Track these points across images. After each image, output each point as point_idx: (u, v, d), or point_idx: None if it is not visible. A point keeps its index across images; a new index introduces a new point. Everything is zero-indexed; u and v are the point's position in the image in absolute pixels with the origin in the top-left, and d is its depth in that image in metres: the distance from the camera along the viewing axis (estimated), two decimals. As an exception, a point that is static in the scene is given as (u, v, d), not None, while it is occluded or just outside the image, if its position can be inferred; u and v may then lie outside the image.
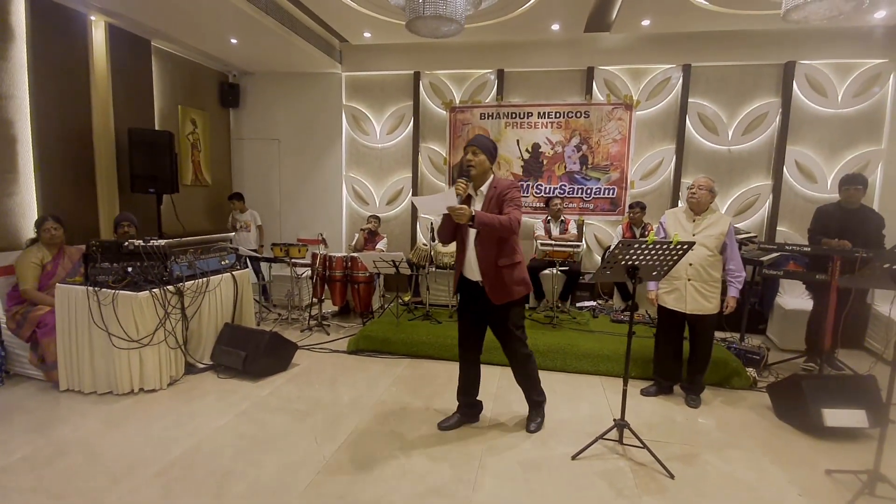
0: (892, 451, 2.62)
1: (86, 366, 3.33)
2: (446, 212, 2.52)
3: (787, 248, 3.97)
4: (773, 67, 5.50)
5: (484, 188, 2.70)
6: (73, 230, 4.03)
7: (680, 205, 5.81)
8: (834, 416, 2.93)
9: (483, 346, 2.94)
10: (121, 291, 3.28)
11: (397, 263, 4.57)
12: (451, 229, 2.76)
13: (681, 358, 3.47)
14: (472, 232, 2.68)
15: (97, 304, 3.26)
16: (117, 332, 3.25)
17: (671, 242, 2.48)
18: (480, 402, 3.07)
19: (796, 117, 5.47)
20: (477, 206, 2.68)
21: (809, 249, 3.88)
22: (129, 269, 3.39)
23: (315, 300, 5.18)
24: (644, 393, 3.53)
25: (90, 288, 3.29)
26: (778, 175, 5.55)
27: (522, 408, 3.29)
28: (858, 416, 2.92)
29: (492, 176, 2.73)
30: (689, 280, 3.21)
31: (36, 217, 4.00)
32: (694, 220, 3.26)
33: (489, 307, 2.73)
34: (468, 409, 3.02)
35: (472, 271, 2.73)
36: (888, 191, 5.27)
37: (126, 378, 3.30)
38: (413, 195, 6.28)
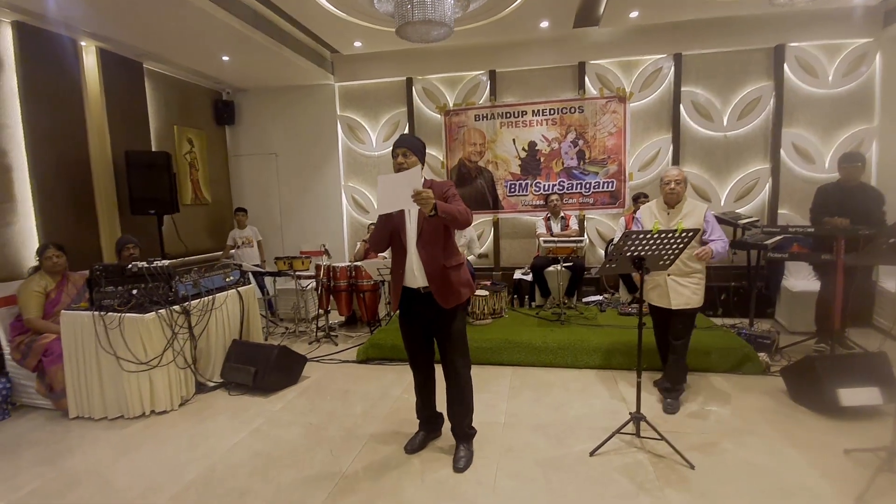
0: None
1: (95, 391, 3.32)
2: (403, 206, 2.27)
3: (790, 230, 3.97)
4: (762, 52, 5.51)
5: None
6: (75, 256, 4.02)
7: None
8: (849, 396, 2.92)
9: (434, 354, 2.75)
10: (127, 314, 3.27)
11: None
12: (387, 234, 2.53)
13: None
14: (413, 236, 2.49)
15: (104, 328, 3.25)
16: (125, 355, 3.24)
17: (676, 231, 2.47)
18: (441, 413, 2.86)
19: (789, 100, 5.48)
20: (413, 210, 2.46)
21: (812, 230, 3.88)
22: (134, 292, 3.39)
23: (321, 311, 5.17)
24: (657, 384, 3.47)
25: (96, 312, 3.28)
26: (775, 158, 5.55)
27: (536, 408, 3.29)
28: (872, 393, 2.92)
29: (423, 177, 2.52)
30: (668, 275, 3.06)
31: (37, 245, 3.99)
32: (668, 213, 3.13)
33: (436, 314, 2.52)
34: (430, 423, 2.85)
35: (415, 279, 2.50)
36: (884, 167, 5.27)
37: (136, 401, 3.29)
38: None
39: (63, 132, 4.44)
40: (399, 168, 2.45)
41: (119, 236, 4.50)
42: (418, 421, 2.85)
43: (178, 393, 3.45)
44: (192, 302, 3.60)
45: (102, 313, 3.27)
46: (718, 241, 3.01)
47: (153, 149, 5.43)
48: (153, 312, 3.32)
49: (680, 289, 3.07)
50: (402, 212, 2.48)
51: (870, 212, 3.85)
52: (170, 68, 5.69)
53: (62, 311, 3.41)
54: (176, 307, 3.47)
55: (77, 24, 4.31)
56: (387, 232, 2.53)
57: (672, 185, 3.09)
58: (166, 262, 3.55)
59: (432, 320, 2.57)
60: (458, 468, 2.55)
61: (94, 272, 3.44)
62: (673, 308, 3.11)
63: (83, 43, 4.63)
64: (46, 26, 4.23)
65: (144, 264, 3.46)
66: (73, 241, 4.17)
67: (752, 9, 5.07)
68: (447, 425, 2.77)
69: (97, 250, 4.70)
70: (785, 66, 5.43)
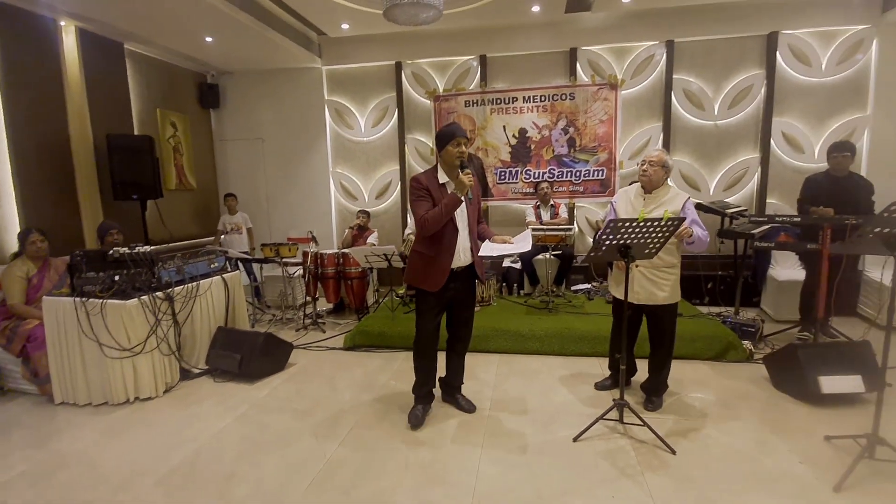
0: (889, 414, 2.64)
1: (79, 378, 3.29)
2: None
3: (777, 219, 3.98)
4: (755, 39, 5.47)
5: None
6: (57, 241, 3.95)
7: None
8: (830, 383, 2.95)
9: None
10: (109, 300, 3.22)
11: (389, 257, 4.54)
12: (448, 221, 2.66)
13: (633, 353, 3.23)
14: (464, 218, 2.75)
15: (85, 314, 3.21)
16: (108, 341, 3.20)
17: (661, 219, 2.46)
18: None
19: (781, 88, 5.46)
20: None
21: (799, 220, 3.89)
22: (116, 278, 3.33)
23: (309, 299, 5.14)
24: (599, 387, 3.31)
25: (77, 299, 3.23)
26: (765, 147, 5.55)
27: (522, 395, 3.32)
28: (854, 381, 2.95)
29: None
30: (636, 266, 2.84)
31: (17, 230, 3.92)
32: (645, 199, 2.92)
33: (470, 286, 2.91)
34: (429, 396, 3.05)
35: (460, 258, 2.76)
36: (875, 157, 5.29)
37: (120, 388, 3.26)
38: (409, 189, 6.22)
39: (43, 115, 4.34)
40: (461, 156, 2.64)
41: (101, 222, 4.42)
42: (415, 396, 3.00)
43: (162, 379, 3.42)
44: (176, 288, 3.55)
45: (84, 299, 3.23)
46: (700, 228, 2.79)
47: (135, 132, 5.32)
48: (135, 299, 3.28)
49: (647, 283, 2.86)
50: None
51: (859, 201, 3.87)
52: (152, 49, 5.55)
53: (44, 296, 3.36)
54: (159, 293, 3.42)
55: (56, 2, 4.17)
56: (449, 217, 2.63)
57: (645, 167, 2.87)
58: (149, 248, 3.49)
59: (462, 295, 2.87)
60: (472, 410, 3.03)
61: (74, 258, 3.38)
62: (644, 303, 2.89)
63: (62, 23, 4.51)
64: (25, 5, 4.10)
65: (126, 250, 3.40)
66: (54, 227, 4.10)
67: (745, -5, 5.03)
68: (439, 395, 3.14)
69: (79, 236, 4.62)
70: (777, 53, 5.40)
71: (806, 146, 5.48)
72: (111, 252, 3.38)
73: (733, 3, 5.26)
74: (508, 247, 2.71)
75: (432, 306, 2.81)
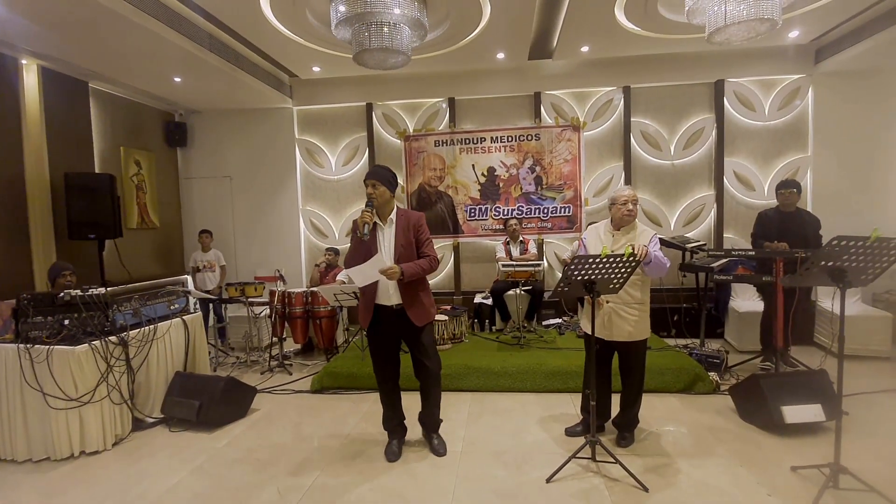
0: (850, 442, 2.70)
1: (19, 431, 3.05)
2: (378, 277, 2.73)
3: (733, 253, 4.16)
4: (704, 86, 5.86)
5: (393, 216, 2.87)
6: (4, 285, 3.74)
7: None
8: (793, 413, 3.02)
9: (399, 366, 3.04)
10: (56, 346, 3.03)
11: (358, 295, 4.46)
12: (362, 256, 2.79)
13: (610, 391, 3.14)
14: (388, 257, 2.81)
15: (30, 361, 3.00)
16: (53, 391, 2.99)
17: (623, 255, 2.52)
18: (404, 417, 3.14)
19: (730, 131, 5.82)
20: (387, 233, 2.86)
21: (753, 253, 4.07)
22: (66, 322, 3.15)
23: (275, 339, 4.97)
24: (569, 433, 3.17)
25: (21, 345, 3.03)
26: (719, 185, 5.85)
27: (495, 434, 3.24)
28: (815, 410, 3.03)
29: (395, 205, 2.91)
30: (607, 302, 2.88)
31: (-41, 273, 3.70)
32: (614, 236, 2.95)
33: (408, 330, 2.86)
34: (400, 429, 3.08)
35: (389, 297, 2.83)
36: (819, 193, 5.64)
37: (65, 441, 3.03)
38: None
39: (-5, 153, 4.19)
40: (370, 197, 2.80)
41: (53, 263, 4.22)
42: (387, 431, 3.05)
43: (111, 431, 3.20)
44: (131, 332, 3.38)
45: (28, 346, 3.03)
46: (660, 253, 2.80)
47: (96, 170, 5.18)
48: (86, 344, 3.09)
49: (617, 319, 2.88)
50: (374, 234, 2.82)
51: (807, 236, 4.09)
52: (118, 88, 5.49)
53: (-17, 344, 3.13)
54: (112, 338, 3.24)
55: (18, 41, 4.11)
56: (362, 255, 2.80)
57: (630, 206, 2.88)
58: (103, 289, 3.33)
59: (404, 335, 2.89)
60: (441, 453, 2.94)
61: (20, 301, 3.19)
62: (613, 339, 2.90)
63: (24, 61, 4.44)
64: (-18, 43, 4.03)
65: (78, 292, 3.23)
66: (1, 269, 3.88)
67: (692, 46, 5.41)
68: (415, 426, 3.11)
69: (29, 278, 4.38)
70: (725, 99, 5.78)
71: (756, 184, 5.80)
72: (61, 294, 3.21)
73: (682, 53, 5.64)
74: (369, 263, 2.72)
75: (374, 343, 2.93)
